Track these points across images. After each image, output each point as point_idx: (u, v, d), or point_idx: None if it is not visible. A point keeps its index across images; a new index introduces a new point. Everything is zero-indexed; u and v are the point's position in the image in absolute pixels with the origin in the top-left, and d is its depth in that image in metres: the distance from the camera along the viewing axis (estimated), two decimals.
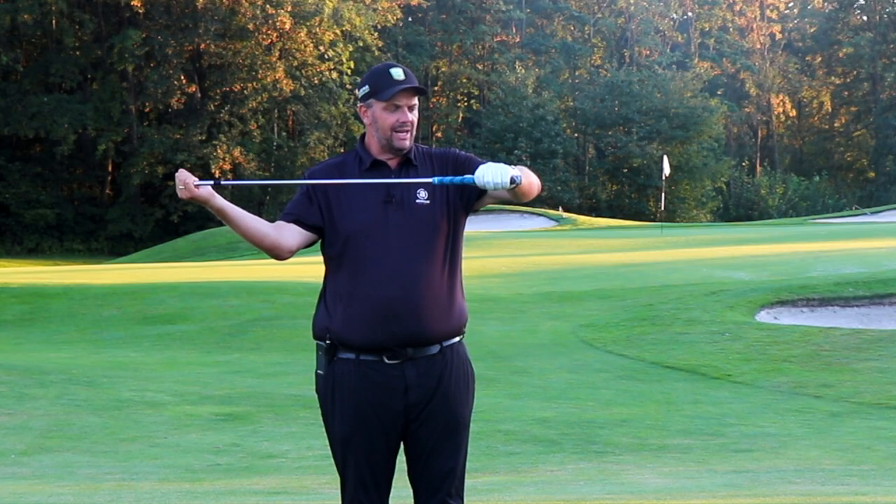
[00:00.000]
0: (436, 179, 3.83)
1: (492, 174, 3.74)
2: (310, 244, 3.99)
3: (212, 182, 3.82)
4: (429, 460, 3.90)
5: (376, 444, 3.87)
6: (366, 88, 3.93)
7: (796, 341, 13.94)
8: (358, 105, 4.02)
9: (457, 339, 3.95)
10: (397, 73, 3.90)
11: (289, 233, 3.91)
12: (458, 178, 3.81)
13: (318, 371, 3.94)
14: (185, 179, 3.72)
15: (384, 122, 3.89)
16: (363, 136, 4.00)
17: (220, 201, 3.80)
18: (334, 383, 3.89)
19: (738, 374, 12.74)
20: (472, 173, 3.84)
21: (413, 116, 3.92)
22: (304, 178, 3.98)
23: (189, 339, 15.91)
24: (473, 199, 3.96)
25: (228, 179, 3.81)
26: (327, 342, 3.88)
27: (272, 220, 3.95)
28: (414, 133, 3.93)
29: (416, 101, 3.93)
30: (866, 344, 13.66)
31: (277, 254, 3.91)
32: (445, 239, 3.91)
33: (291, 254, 3.93)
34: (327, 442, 3.99)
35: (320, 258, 4.02)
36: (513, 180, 3.74)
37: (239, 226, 3.86)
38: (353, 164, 3.94)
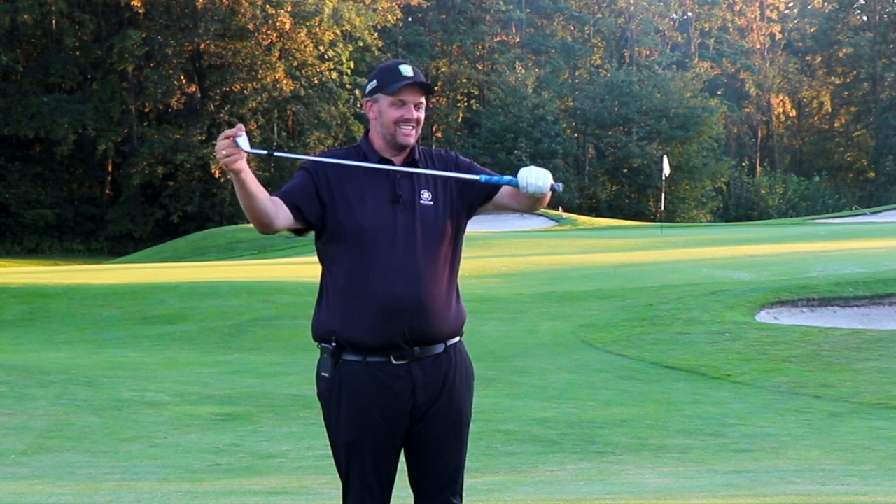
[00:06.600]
0: (482, 177, 3.84)
1: (535, 177, 3.75)
2: (293, 231, 3.90)
3: (265, 152, 3.83)
4: (434, 460, 3.88)
5: (382, 447, 3.84)
6: (374, 83, 3.91)
7: (796, 341, 13.94)
8: (364, 100, 4.00)
9: (458, 338, 3.95)
10: (406, 69, 3.89)
11: (283, 214, 3.79)
12: (504, 179, 3.81)
13: (323, 374, 3.87)
14: (237, 139, 3.56)
15: (388, 116, 3.86)
16: (367, 132, 3.97)
17: (250, 173, 3.67)
18: (340, 386, 3.83)
19: (738, 374, 12.73)
20: (472, 180, 3.87)
21: (419, 114, 3.90)
22: (311, 171, 3.90)
23: (189, 339, 15.91)
24: (477, 204, 3.96)
25: (281, 151, 3.69)
26: (333, 344, 3.83)
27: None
28: (419, 132, 3.91)
29: (422, 99, 3.91)
30: (866, 344, 13.65)
31: (266, 231, 3.83)
32: (448, 240, 3.90)
33: (276, 233, 3.88)
34: (328, 443, 3.96)
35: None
36: (552, 189, 3.79)
37: (253, 195, 3.68)
38: (357, 160, 3.88)
